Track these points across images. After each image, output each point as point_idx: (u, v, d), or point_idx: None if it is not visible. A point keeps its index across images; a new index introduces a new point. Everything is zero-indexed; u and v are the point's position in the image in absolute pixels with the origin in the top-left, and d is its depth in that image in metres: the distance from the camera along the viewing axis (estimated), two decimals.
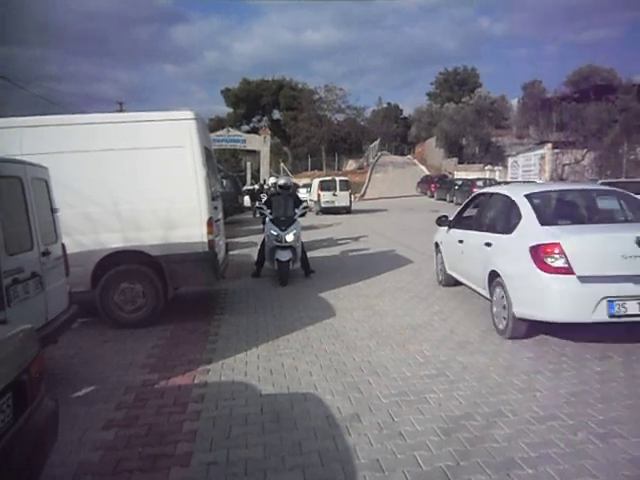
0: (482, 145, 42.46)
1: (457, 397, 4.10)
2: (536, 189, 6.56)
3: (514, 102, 47.82)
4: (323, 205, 24.95)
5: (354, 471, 3.10)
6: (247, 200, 23.03)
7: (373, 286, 8.48)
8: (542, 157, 25.71)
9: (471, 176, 34.43)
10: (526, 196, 5.76)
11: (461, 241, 7.03)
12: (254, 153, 43.48)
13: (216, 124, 49.87)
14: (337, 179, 26.19)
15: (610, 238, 5.02)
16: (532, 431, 3.50)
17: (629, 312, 4.70)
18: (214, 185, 7.35)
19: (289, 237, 8.68)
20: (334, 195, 24.79)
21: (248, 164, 45.53)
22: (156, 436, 3.61)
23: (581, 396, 4.04)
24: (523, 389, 4.21)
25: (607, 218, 6.02)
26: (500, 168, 35.95)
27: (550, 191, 6.73)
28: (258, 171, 40.94)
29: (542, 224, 5.30)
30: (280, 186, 9.48)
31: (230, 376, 4.73)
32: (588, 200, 6.32)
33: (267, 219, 9.29)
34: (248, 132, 47.80)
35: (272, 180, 16.03)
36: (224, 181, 18.46)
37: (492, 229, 6.22)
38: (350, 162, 55.89)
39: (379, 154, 58.87)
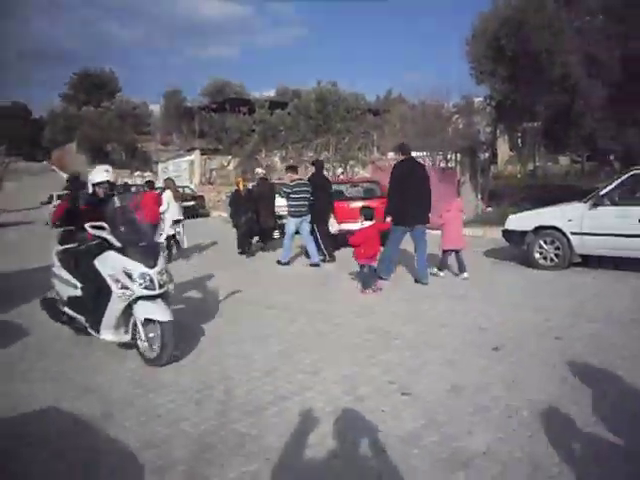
0: (128, 151, 42.38)
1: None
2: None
3: (155, 108, 49.17)
4: None
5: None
6: None
7: None
8: (192, 163, 27.66)
9: (120, 182, 34.06)
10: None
11: None
12: None
13: None
14: None
15: None
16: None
17: None
18: None
19: (162, 276, 4.85)
20: None
21: None
22: None
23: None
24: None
25: None
26: (149, 174, 36.61)
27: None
28: None
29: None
30: (100, 184, 5.41)
31: None
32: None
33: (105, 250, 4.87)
34: None
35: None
36: None
37: None
38: None
39: (7, 161, 52.15)
